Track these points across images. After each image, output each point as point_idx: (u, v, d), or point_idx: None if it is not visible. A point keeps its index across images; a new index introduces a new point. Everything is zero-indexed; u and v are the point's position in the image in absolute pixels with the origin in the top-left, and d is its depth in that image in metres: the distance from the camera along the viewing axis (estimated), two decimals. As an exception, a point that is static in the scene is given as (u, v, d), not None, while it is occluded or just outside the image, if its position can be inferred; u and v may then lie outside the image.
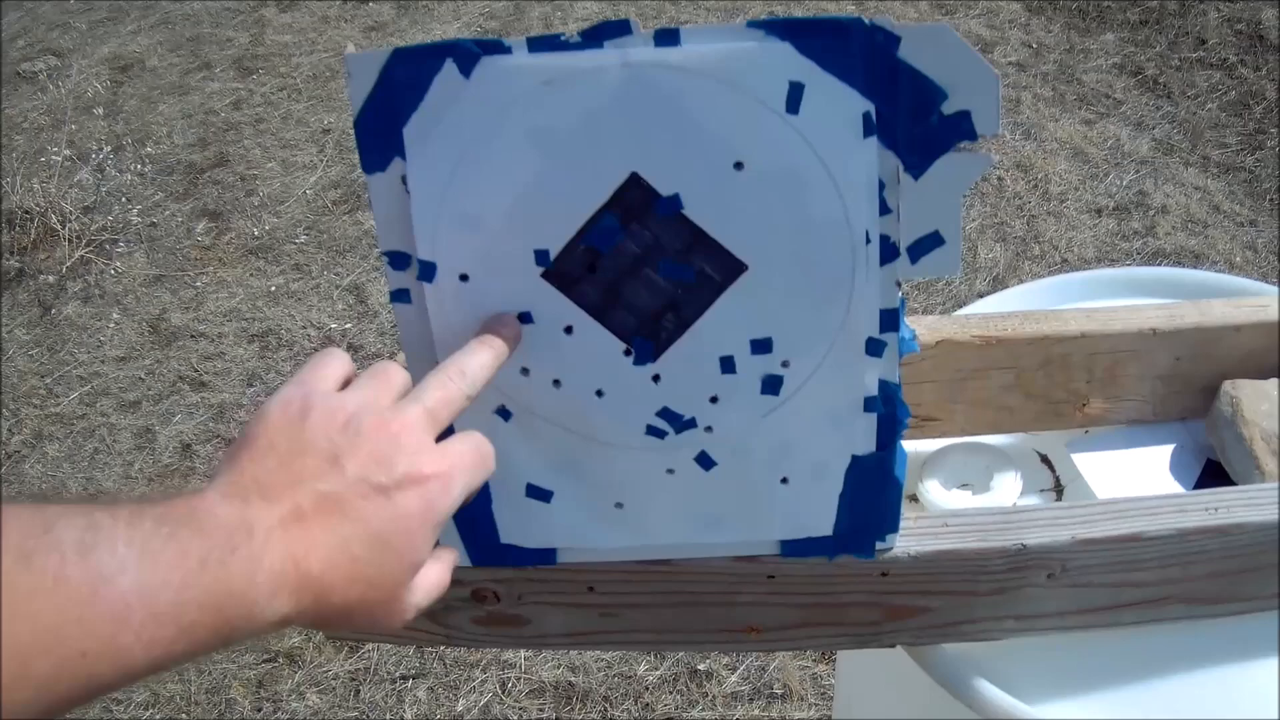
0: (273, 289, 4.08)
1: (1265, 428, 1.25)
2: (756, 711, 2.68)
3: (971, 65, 0.87)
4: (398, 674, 2.84)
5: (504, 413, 0.99)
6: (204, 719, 2.80)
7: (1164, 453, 1.36)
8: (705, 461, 1.01)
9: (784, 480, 1.02)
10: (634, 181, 0.90)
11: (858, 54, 0.86)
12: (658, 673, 2.77)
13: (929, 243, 0.93)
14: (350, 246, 4.23)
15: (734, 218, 0.91)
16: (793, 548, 1.07)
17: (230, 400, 3.67)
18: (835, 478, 1.03)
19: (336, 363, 0.85)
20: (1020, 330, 1.30)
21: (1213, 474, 1.32)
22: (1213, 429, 1.31)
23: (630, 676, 2.77)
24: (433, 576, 0.84)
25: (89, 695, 0.64)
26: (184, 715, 2.80)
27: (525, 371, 0.98)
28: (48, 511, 0.65)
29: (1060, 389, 1.34)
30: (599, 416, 0.99)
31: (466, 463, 0.83)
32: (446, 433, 0.85)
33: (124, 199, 4.53)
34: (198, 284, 4.14)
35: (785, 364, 0.96)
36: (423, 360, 0.99)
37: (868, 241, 0.91)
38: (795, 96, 0.87)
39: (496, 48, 0.88)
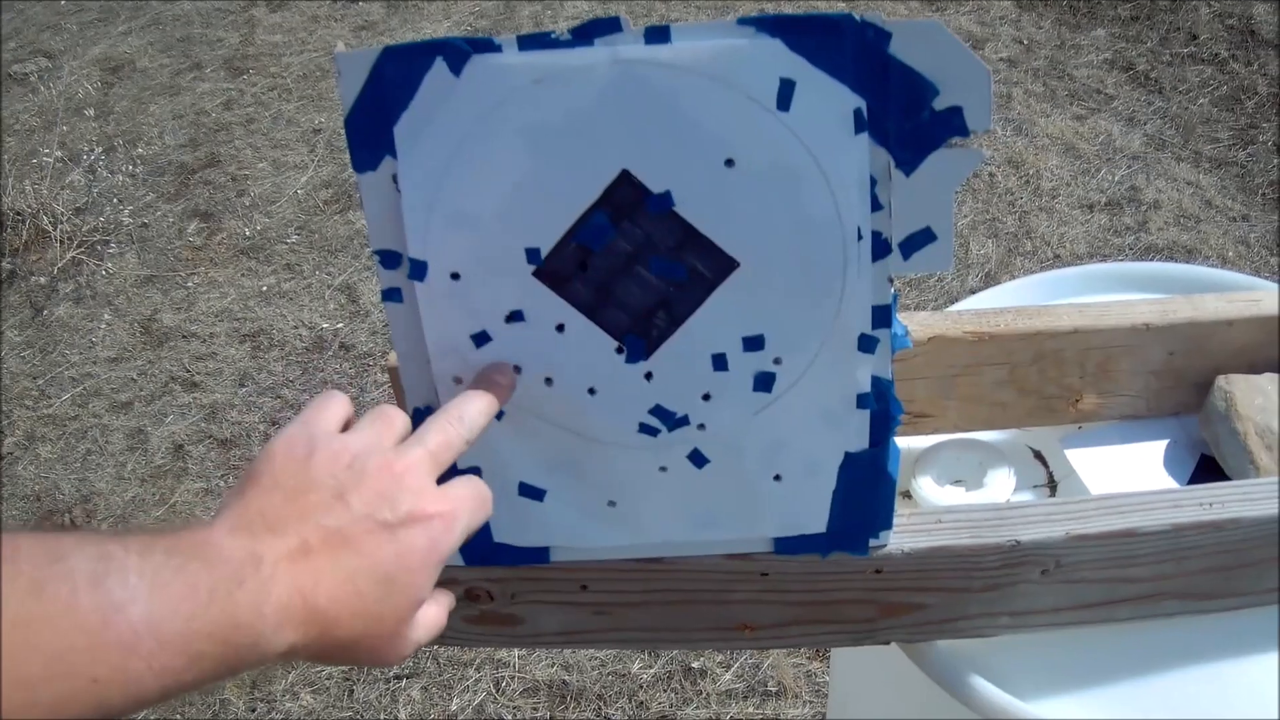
0: (264, 289, 4.08)
1: (1259, 422, 1.25)
2: (751, 709, 2.68)
3: (963, 61, 0.87)
4: (391, 674, 2.84)
5: (495, 413, 0.99)
6: (198, 719, 2.80)
7: (1158, 448, 1.36)
8: (698, 459, 1.01)
9: (777, 477, 1.02)
10: (625, 179, 0.89)
11: (849, 50, 0.86)
12: (652, 671, 2.77)
13: (921, 239, 0.93)
14: (342, 246, 4.22)
15: (725, 215, 0.90)
16: (786, 545, 1.07)
17: (222, 401, 3.66)
18: (828, 475, 1.02)
19: (337, 405, 0.87)
20: (1013, 326, 1.30)
21: (1207, 469, 1.32)
22: (1207, 424, 1.31)
23: (624, 675, 2.77)
24: (432, 615, 0.86)
25: None
26: (178, 715, 2.80)
27: (517, 369, 0.97)
28: (60, 541, 0.66)
29: (1053, 385, 1.34)
30: (591, 414, 0.99)
31: (468, 505, 0.85)
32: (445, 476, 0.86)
33: (115, 200, 4.52)
34: (189, 284, 4.14)
35: (777, 361, 0.96)
36: (414, 359, 0.99)
37: (859, 238, 0.91)
38: (786, 93, 0.87)
39: (487, 46, 0.88)
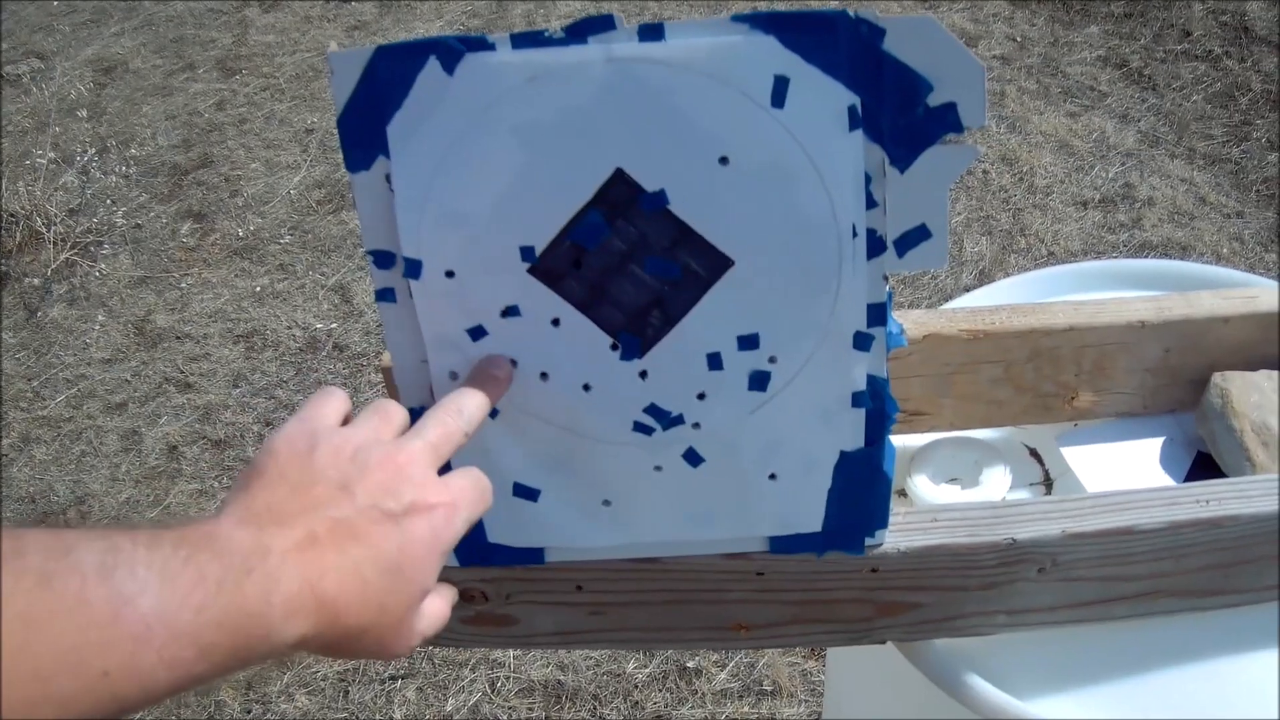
0: (258, 289, 4.08)
1: (1256, 419, 1.25)
2: (746, 708, 2.68)
3: (957, 57, 0.87)
4: (386, 674, 2.83)
5: (491, 410, 0.99)
6: (195, 719, 2.80)
7: (1154, 445, 1.36)
8: (693, 458, 1.01)
9: (772, 476, 1.02)
10: (619, 177, 0.89)
11: (842, 47, 0.86)
12: (647, 670, 2.77)
13: (916, 236, 0.93)
14: (335, 246, 4.22)
15: (720, 213, 0.90)
16: (781, 544, 1.07)
17: (216, 401, 3.66)
18: (824, 474, 1.02)
19: (336, 400, 0.87)
20: (1008, 324, 1.30)
21: (1203, 466, 1.32)
22: (1203, 421, 1.31)
23: (619, 675, 2.77)
24: (436, 607, 0.86)
25: (112, 715, 0.64)
26: (174, 716, 2.79)
27: (513, 364, 0.97)
28: (67, 535, 0.65)
29: (1049, 382, 1.34)
30: (586, 412, 0.99)
31: (469, 495, 0.85)
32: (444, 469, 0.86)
33: (108, 201, 4.52)
34: (183, 285, 4.13)
35: (772, 360, 0.96)
36: (408, 359, 0.99)
37: (854, 235, 0.91)
38: (780, 90, 0.86)
39: (480, 44, 0.88)
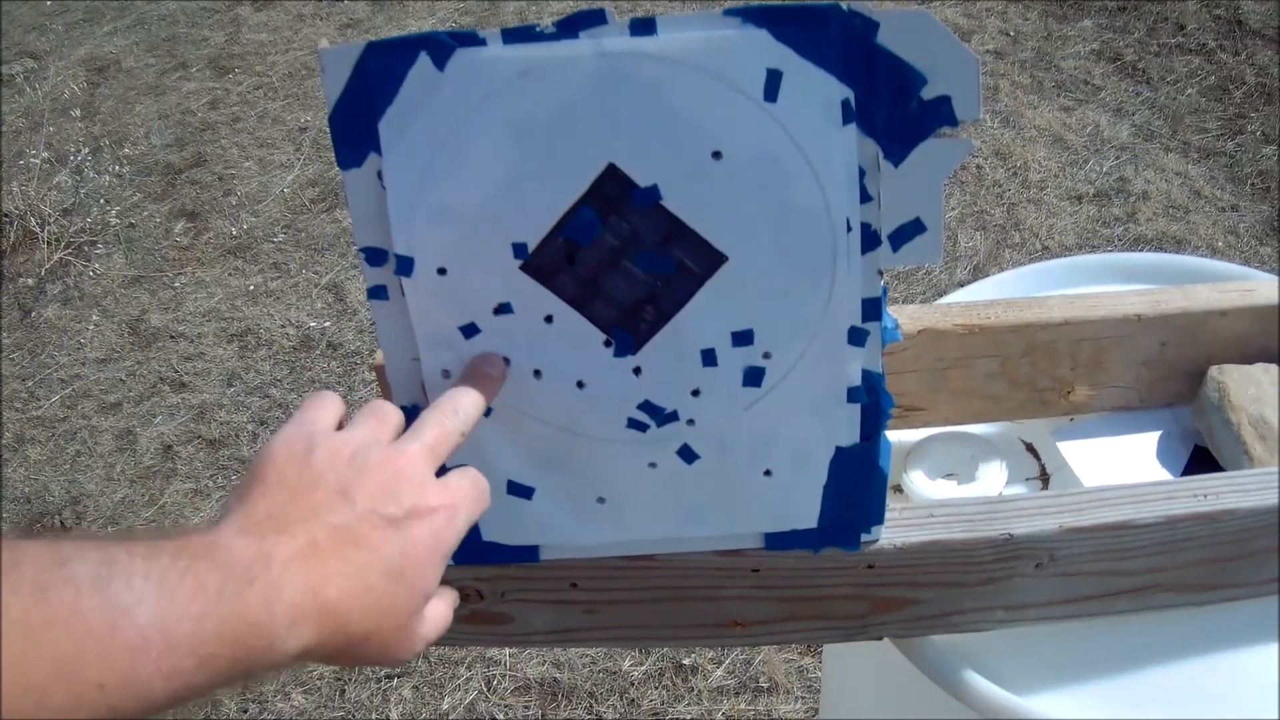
0: (251, 288, 4.08)
1: (1253, 413, 1.25)
2: (742, 705, 2.68)
3: (951, 50, 0.86)
4: (382, 673, 2.83)
5: (486, 409, 0.99)
6: (190, 719, 2.80)
7: (1151, 440, 1.36)
8: (687, 455, 1.01)
9: (767, 473, 1.02)
10: (611, 173, 0.89)
11: (836, 40, 0.86)
12: (643, 668, 2.77)
13: (910, 230, 0.93)
14: (328, 245, 4.22)
15: (713, 208, 0.90)
16: (777, 541, 1.07)
17: (211, 400, 3.66)
18: (819, 469, 1.02)
19: (331, 404, 0.87)
20: (1003, 318, 1.29)
21: (1200, 460, 1.32)
22: (1200, 415, 1.31)
23: (615, 672, 2.77)
24: (439, 610, 0.86)
25: None
26: (171, 715, 2.79)
27: (506, 362, 0.97)
28: (64, 547, 0.65)
29: (1044, 376, 1.34)
30: (580, 410, 0.99)
31: (468, 496, 0.85)
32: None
33: (102, 200, 4.52)
34: (176, 284, 4.13)
35: (767, 355, 0.95)
36: (400, 357, 0.99)
37: (848, 230, 0.90)
38: (773, 84, 0.86)
39: (471, 40, 0.87)
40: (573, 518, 1.05)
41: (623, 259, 0.91)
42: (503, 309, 0.94)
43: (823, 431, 1.00)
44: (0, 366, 3.88)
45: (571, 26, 0.86)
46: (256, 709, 2.80)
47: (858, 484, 1.03)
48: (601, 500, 1.04)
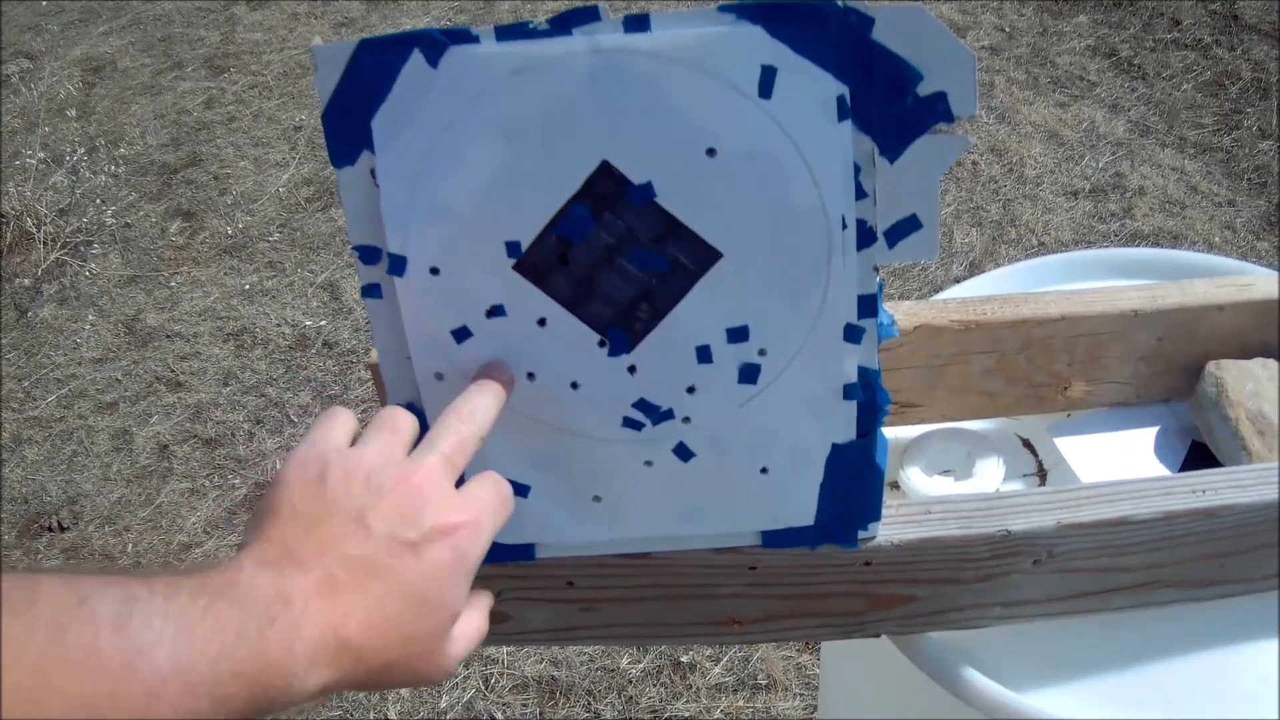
0: (247, 287, 4.08)
1: (1251, 408, 1.24)
2: (741, 702, 2.67)
3: (947, 46, 0.86)
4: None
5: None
6: None
7: (1148, 435, 1.36)
8: (683, 453, 1.00)
9: (763, 470, 1.01)
10: (605, 170, 0.89)
11: (831, 36, 0.85)
12: (641, 666, 2.77)
13: (906, 226, 0.92)
14: (324, 243, 4.22)
15: (708, 205, 0.89)
16: (774, 538, 1.06)
17: (207, 400, 3.66)
18: (815, 467, 1.01)
19: (344, 420, 0.85)
20: (999, 314, 1.29)
21: (1198, 456, 1.31)
22: (1197, 410, 1.30)
23: (613, 670, 2.77)
24: (472, 625, 0.85)
25: None
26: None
27: (499, 366, 0.96)
28: (83, 583, 0.64)
29: (1041, 372, 1.34)
30: (575, 409, 0.98)
31: (491, 506, 0.83)
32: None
33: (98, 200, 4.52)
34: (172, 284, 4.13)
35: (762, 352, 0.95)
36: (396, 356, 0.98)
37: (844, 227, 0.90)
38: (768, 81, 0.86)
39: (464, 37, 0.87)
40: (569, 516, 1.05)
41: (617, 256, 0.91)
42: (495, 311, 0.94)
43: (819, 428, 1.00)
44: (-4, 367, 3.89)
45: (565, 23, 0.86)
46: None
47: (854, 481, 1.02)
48: (597, 499, 1.04)
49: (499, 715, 2.72)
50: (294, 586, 0.71)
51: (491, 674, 2.79)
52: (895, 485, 1.35)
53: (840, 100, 0.87)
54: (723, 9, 0.85)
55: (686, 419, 0.98)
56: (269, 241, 4.26)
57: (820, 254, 0.91)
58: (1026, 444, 1.42)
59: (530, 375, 0.97)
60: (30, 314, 4.06)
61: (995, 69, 4.64)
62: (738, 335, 0.94)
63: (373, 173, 0.91)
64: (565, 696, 2.73)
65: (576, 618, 1.16)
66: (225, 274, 4.15)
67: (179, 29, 5.75)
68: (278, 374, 3.71)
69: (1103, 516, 1.07)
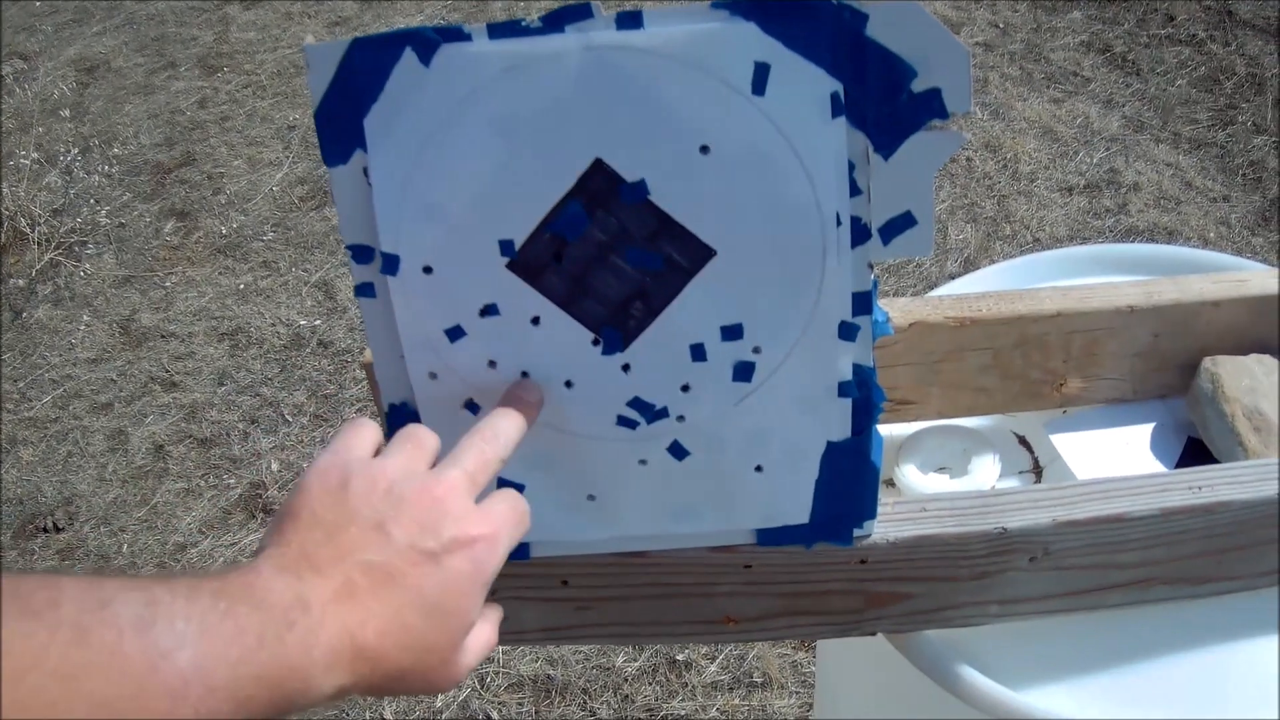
0: (241, 287, 4.07)
1: (1247, 404, 1.24)
2: (737, 700, 2.67)
3: (941, 42, 0.86)
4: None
5: (472, 406, 0.98)
6: None
7: (1144, 431, 1.35)
8: (678, 451, 1.00)
9: (758, 468, 1.01)
10: (598, 168, 0.88)
11: (824, 33, 0.85)
12: (636, 664, 2.76)
13: (901, 223, 0.92)
14: (318, 243, 4.22)
15: (701, 203, 0.89)
16: (769, 536, 1.06)
17: (202, 400, 3.66)
18: (811, 464, 1.01)
19: (368, 431, 0.86)
20: (995, 310, 1.29)
21: (1194, 452, 1.31)
22: (1194, 406, 1.30)
23: (609, 668, 2.76)
24: (483, 636, 0.86)
25: None
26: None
27: (493, 364, 0.96)
28: (105, 586, 0.64)
29: (1037, 369, 1.33)
30: (569, 408, 0.98)
31: (509, 521, 0.84)
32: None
33: (92, 200, 4.52)
34: (167, 284, 4.13)
35: (757, 350, 0.95)
36: (389, 355, 0.98)
37: (838, 224, 0.90)
38: (761, 77, 0.86)
39: (456, 35, 0.87)
40: (563, 515, 1.05)
41: (611, 254, 0.91)
42: (489, 311, 0.94)
43: (814, 426, 0.99)
44: (-9, 368, 3.88)
45: (557, 21, 0.86)
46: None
47: (849, 479, 1.02)
48: (592, 498, 1.03)
49: (495, 714, 2.71)
50: (312, 591, 0.72)
51: (487, 673, 2.79)
52: (890, 483, 1.35)
53: (834, 97, 0.87)
54: (715, 5, 0.85)
55: (681, 417, 0.98)
56: (263, 241, 4.26)
57: (815, 251, 0.91)
58: (1022, 441, 1.41)
59: (524, 375, 0.97)
60: (25, 315, 4.06)
61: (989, 65, 4.64)
62: (732, 333, 0.94)
63: (365, 171, 0.91)
64: (561, 695, 2.73)
65: (572, 616, 1.16)
66: (220, 274, 4.14)
67: (172, 29, 5.74)
68: (273, 373, 3.71)
69: (1099, 513, 1.07)
